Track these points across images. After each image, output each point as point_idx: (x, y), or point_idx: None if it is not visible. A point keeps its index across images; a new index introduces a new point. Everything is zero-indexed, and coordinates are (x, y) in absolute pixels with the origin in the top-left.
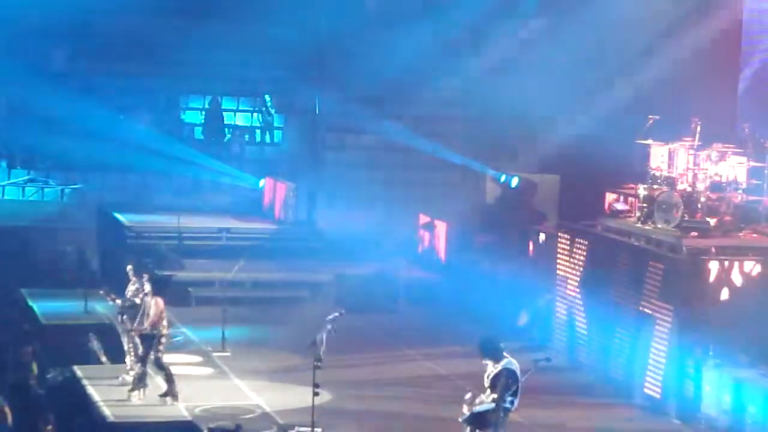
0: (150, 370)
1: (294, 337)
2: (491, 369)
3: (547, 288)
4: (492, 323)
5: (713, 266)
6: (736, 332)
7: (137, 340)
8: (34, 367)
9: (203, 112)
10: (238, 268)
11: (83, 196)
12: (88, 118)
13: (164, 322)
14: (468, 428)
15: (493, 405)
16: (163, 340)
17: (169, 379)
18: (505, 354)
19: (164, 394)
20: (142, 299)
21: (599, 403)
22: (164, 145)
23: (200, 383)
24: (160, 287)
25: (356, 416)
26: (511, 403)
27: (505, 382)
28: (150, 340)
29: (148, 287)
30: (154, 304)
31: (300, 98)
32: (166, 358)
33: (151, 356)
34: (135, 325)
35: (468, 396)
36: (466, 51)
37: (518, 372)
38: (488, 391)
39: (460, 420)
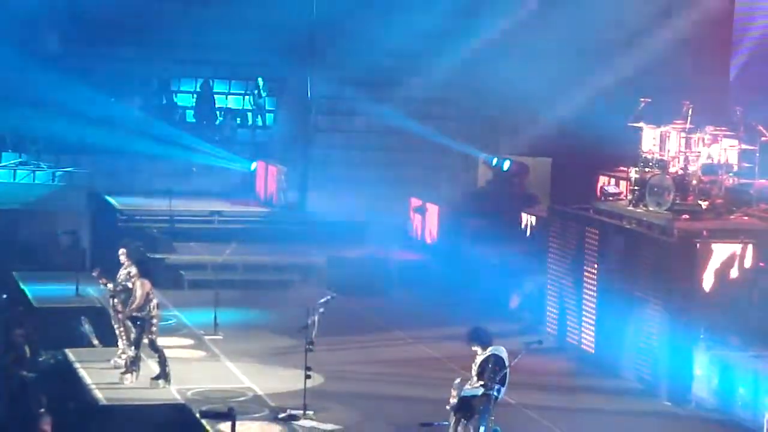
0: (143, 353)
1: (286, 321)
2: (478, 357)
3: (539, 271)
4: (484, 306)
5: (705, 249)
6: (727, 315)
7: (128, 323)
8: (27, 349)
9: (194, 96)
10: (229, 251)
11: (75, 179)
12: (79, 102)
13: (153, 304)
14: (454, 416)
15: (480, 390)
16: (155, 321)
17: (162, 361)
18: (493, 341)
19: (156, 377)
20: (133, 283)
21: (590, 385)
22: (156, 128)
23: (192, 366)
24: (145, 269)
25: (348, 399)
26: (498, 391)
27: (492, 369)
28: (141, 322)
29: (134, 270)
30: (140, 286)
31: (291, 81)
32: (157, 341)
33: (146, 339)
34: (126, 309)
35: (457, 381)
36: (459, 34)
37: (505, 359)
38: (475, 378)
39: (447, 407)
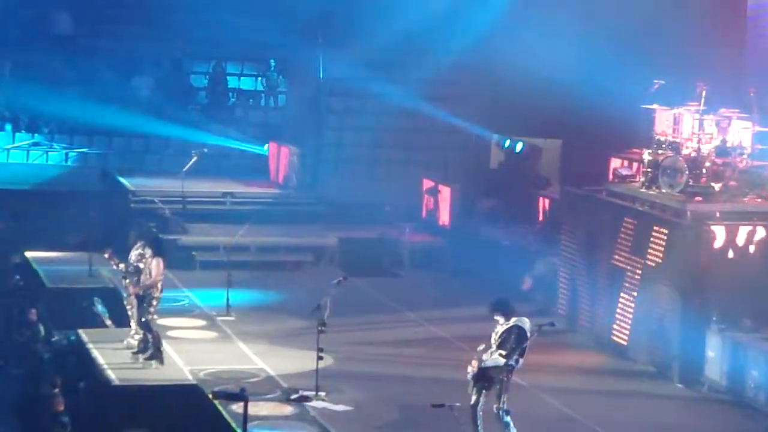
0: (137, 327)
1: (298, 302)
2: (500, 327)
3: (551, 253)
4: (496, 288)
5: (717, 231)
6: (740, 297)
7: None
8: (42, 329)
9: (207, 76)
10: (242, 232)
11: (87, 159)
12: (92, 82)
13: (159, 285)
14: (474, 385)
15: (502, 361)
16: (154, 302)
17: (156, 342)
18: (516, 312)
19: (150, 357)
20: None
21: (602, 367)
22: (168, 109)
23: (204, 347)
24: (160, 248)
25: (359, 380)
26: (516, 361)
27: (515, 340)
28: (141, 300)
29: (148, 250)
30: (156, 265)
31: (304, 62)
32: (170, 322)
33: (145, 317)
34: (139, 285)
35: (481, 347)
36: (471, 14)
37: (528, 330)
38: (495, 347)
39: (468, 376)
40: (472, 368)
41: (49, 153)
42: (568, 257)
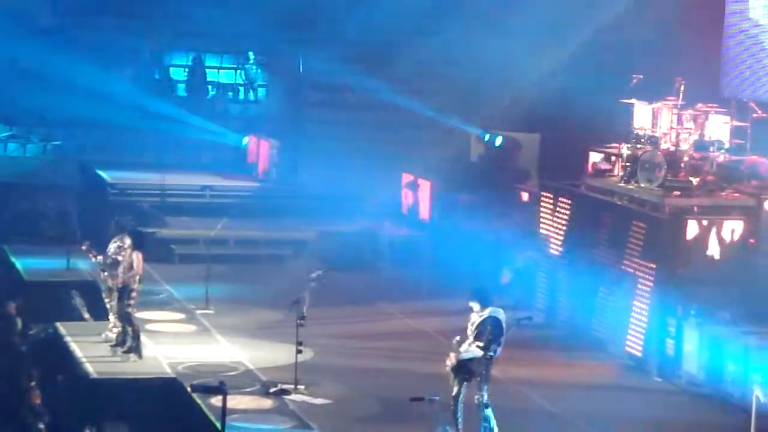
0: (115, 320)
1: (277, 295)
2: (476, 317)
3: (530, 247)
4: (475, 282)
5: (695, 225)
6: (718, 291)
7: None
8: (19, 322)
9: (186, 69)
10: (221, 225)
11: (65, 152)
12: (71, 74)
13: (137, 278)
14: (455, 377)
15: (480, 352)
16: (134, 295)
17: (135, 335)
18: (493, 302)
19: (128, 350)
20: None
21: (580, 361)
22: (147, 101)
23: (183, 340)
24: (140, 242)
25: (339, 373)
26: (495, 351)
27: (491, 331)
28: (120, 293)
29: (128, 242)
30: (137, 259)
31: (284, 55)
32: (149, 315)
33: (124, 310)
34: (120, 277)
35: (456, 339)
36: (451, 9)
37: (503, 321)
38: (471, 338)
39: (447, 369)
40: (450, 361)
41: (27, 145)
42: (547, 251)
